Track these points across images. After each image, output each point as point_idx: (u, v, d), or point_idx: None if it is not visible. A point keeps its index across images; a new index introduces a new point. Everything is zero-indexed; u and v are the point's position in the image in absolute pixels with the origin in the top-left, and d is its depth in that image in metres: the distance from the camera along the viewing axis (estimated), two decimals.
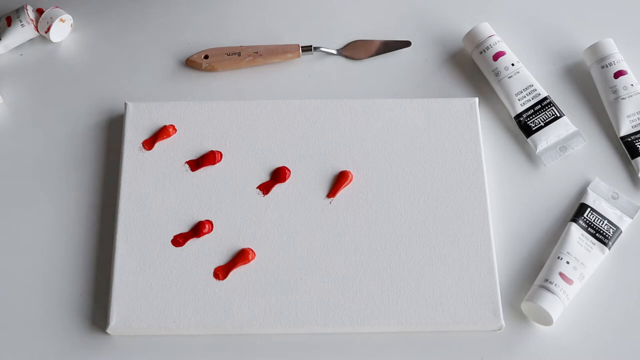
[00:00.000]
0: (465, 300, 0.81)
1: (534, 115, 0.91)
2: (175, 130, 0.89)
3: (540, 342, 0.81)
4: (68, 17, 0.96)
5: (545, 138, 0.90)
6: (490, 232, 0.84)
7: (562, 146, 0.90)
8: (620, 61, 0.92)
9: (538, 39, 0.98)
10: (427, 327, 0.80)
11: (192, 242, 0.84)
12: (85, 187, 0.88)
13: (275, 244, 0.84)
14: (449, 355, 0.81)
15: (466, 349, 0.81)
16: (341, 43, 0.97)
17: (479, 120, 0.90)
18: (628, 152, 0.90)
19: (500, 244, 0.85)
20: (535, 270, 0.84)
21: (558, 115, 0.91)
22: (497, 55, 0.93)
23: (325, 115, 0.90)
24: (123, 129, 0.89)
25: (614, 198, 0.87)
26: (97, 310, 0.83)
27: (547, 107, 0.91)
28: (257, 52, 0.95)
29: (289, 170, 0.87)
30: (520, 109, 0.91)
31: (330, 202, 0.86)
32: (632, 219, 0.86)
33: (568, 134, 0.91)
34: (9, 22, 0.95)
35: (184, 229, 0.84)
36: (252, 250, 0.83)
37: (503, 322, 0.80)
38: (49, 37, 0.96)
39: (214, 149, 0.88)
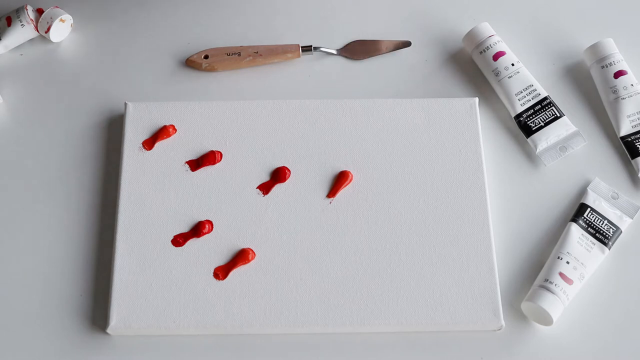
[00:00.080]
0: (465, 300, 0.81)
1: (534, 115, 0.91)
2: (175, 130, 0.89)
3: (540, 342, 0.81)
4: (68, 17, 0.96)
5: (545, 138, 0.90)
6: (490, 232, 0.84)
7: (562, 146, 0.90)
8: (620, 61, 0.92)
9: (538, 39, 0.98)
10: (427, 327, 0.80)
11: (192, 242, 0.84)
12: (85, 187, 0.88)
13: (275, 244, 0.84)
14: (449, 355, 0.81)
15: (466, 349, 0.81)
16: (341, 43, 0.97)
17: (479, 120, 0.90)
18: (628, 152, 0.90)
19: (500, 244, 0.85)
20: (535, 270, 0.84)
21: (558, 115, 0.91)
22: (497, 55, 0.93)
23: (325, 115, 0.90)
24: (123, 129, 0.89)
25: (614, 198, 0.87)
26: (97, 310, 0.83)
27: (547, 107, 0.91)
28: (257, 52, 0.95)
29: (289, 170, 0.87)
30: (520, 109, 0.91)
31: (330, 202, 0.86)
32: (632, 219, 0.86)
33: (568, 134, 0.91)
34: (9, 22, 0.95)
35: (184, 229, 0.85)
36: (252, 250, 0.83)
37: (503, 322, 0.80)
38: (49, 37, 0.96)
39: (214, 149, 0.88)
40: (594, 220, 0.85)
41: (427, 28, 0.99)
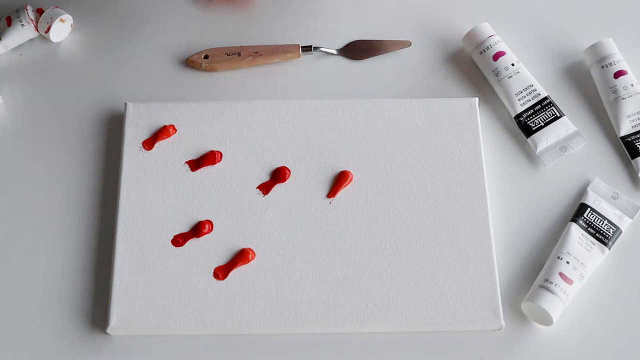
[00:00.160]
0: (465, 300, 0.81)
1: (534, 115, 0.91)
2: (175, 130, 0.89)
3: (540, 342, 0.81)
4: (68, 17, 0.96)
5: (545, 138, 0.90)
6: (490, 232, 0.84)
7: (562, 146, 0.90)
8: (620, 61, 0.92)
9: (538, 39, 0.98)
10: (427, 327, 0.80)
11: (192, 242, 0.84)
12: (85, 187, 0.88)
13: (275, 244, 0.84)
14: (449, 355, 0.81)
15: (466, 349, 0.81)
16: (341, 43, 0.97)
17: (479, 120, 0.90)
18: (628, 152, 0.90)
19: (500, 244, 0.85)
20: (535, 270, 0.84)
21: (558, 115, 0.91)
22: (497, 55, 0.93)
23: (325, 115, 0.90)
24: (123, 129, 0.89)
25: (614, 198, 0.87)
26: (97, 310, 0.83)
27: (547, 107, 0.91)
28: (257, 52, 0.95)
29: (289, 170, 0.87)
30: (520, 109, 0.91)
31: (330, 202, 0.86)
32: (632, 219, 0.86)
33: (568, 134, 0.91)
34: (9, 22, 0.95)
35: (184, 229, 0.85)
36: (252, 250, 0.83)
37: (503, 322, 0.80)
38: (49, 37, 0.96)
39: (214, 149, 0.88)
40: (594, 220, 0.85)
41: (427, 28, 0.98)
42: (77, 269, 0.84)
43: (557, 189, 0.89)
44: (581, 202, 0.87)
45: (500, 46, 0.93)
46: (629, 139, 0.90)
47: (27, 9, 0.96)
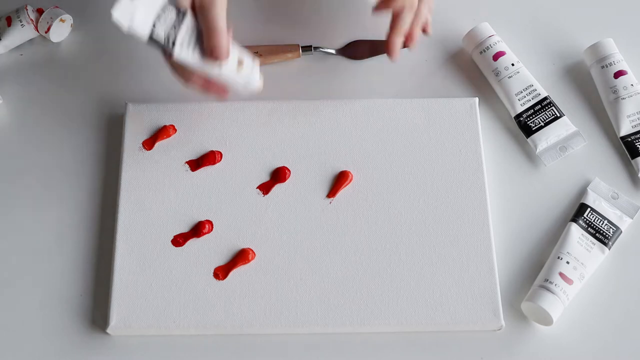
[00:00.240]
0: (465, 300, 0.81)
1: (534, 115, 0.91)
2: (175, 130, 0.89)
3: (540, 342, 0.81)
4: (68, 17, 0.96)
5: (545, 138, 0.90)
6: (490, 232, 0.84)
7: (562, 146, 0.90)
8: (620, 61, 0.92)
9: (538, 39, 0.98)
10: (427, 327, 0.80)
11: (192, 242, 0.84)
12: (85, 187, 0.88)
13: (275, 244, 0.84)
14: (449, 355, 0.81)
15: (466, 349, 0.81)
16: (341, 43, 0.97)
17: (479, 120, 0.90)
18: (628, 152, 0.90)
19: (500, 244, 0.85)
20: (535, 270, 0.84)
21: (558, 115, 0.91)
22: (497, 55, 0.93)
23: (325, 115, 0.90)
24: (123, 129, 0.89)
25: (614, 198, 0.87)
26: (97, 310, 0.83)
27: (547, 107, 0.91)
28: (257, 52, 0.95)
29: (289, 170, 0.87)
30: (520, 109, 0.91)
31: (330, 202, 0.86)
32: (632, 219, 0.86)
33: (568, 134, 0.91)
34: (9, 22, 0.95)
35: (184, 229, 0.85)
36: (252, 250, 0.83)
37: (503, 322, 0.80)
38: (49, 37, 0.96)
39: (214, 149, 0.88)
40: (594, 220, 0.85)
41: None
42: (77, 269, 0.84)
43: (557, 189, 0.89)
44: (581, 202, 0.87)
45: (500, 46, 0.93)
46: (629, 139, 0.90)
47: (27, 9, 0.96)
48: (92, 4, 1.00)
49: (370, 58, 0.97)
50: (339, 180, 0.86)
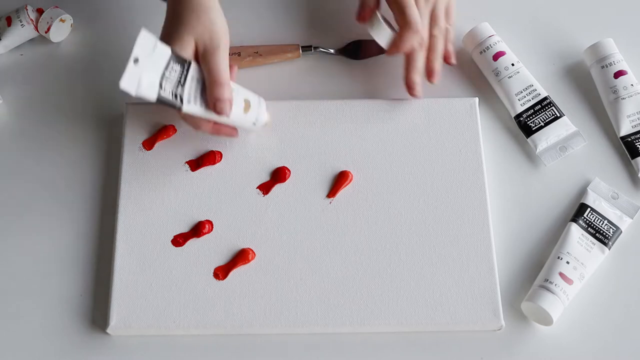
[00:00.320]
0: (465, 300, 0.81)
1: (534, 115, 0.91)
2: (175, 130, 0.89)
3: (540, 342, 0.81)
4: (68, 17, 0.96)
5: (545, 138, 0.90)
6: (490, 232, 0.84)
7: (562, 146, 0.90)
8: (620, 61, 0.92)
9: (538, 39, 0.98)
10: (427, 327, 0.80)
11: (192, 242, 0.84)
12: (85, 187, 0.88)
13: (275, 244, 0.84)
14: (449, 355, 0.81)
15: (466, 349, 0.81)
16: (341, 43, 0.97)
17: (479, 120, 0.90)
18: (628, 152, 0.90)
19: (500, 244, 0.85)
20: (535, 270, 0.84)
21: (558, 115, 0.91)
22: (497, 55, 0.93)
23: (325, 115, 0.90)
24: (123, 129, 0.89)
25: (614, 198, 0.87)
26: (97, 310, 0.83)
27: (547, 107, 0.91)
28: (257, 52, 0.95)
29: (289, 170, 0.87)
30: (520, 109, 0.91)
31: (330, 202, 0.86)
32: (632, 219, 0.86)
33: (568, 134, 0.91)
34: (9, 22, 0.95)
35: (184, 229, 0.85)
36: (252, 250, 0.83)
37: (503, 322, 0.80)
38: (49, 37, 0.96)
39: (214, 149, 0.88)
40: (594, 220, 0.85)
41: None
42: (77, 269, 0.84)
43: (557, 189, 0.89)
44: (581, 202, 0.87)
45: (500, 46, 0.93)
46: (629, 139, 0.90)
47: (27, 9, 0.96)
48: (92, 4, 1.00)
49: (370, 58, 0.97)
50: (339, 180, 0.86)
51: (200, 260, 0.83)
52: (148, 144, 0.88)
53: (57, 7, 0.96)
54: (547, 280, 0.81)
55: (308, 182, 0.87)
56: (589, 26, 0.98)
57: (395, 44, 0.88)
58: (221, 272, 0.82)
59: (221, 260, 0.83)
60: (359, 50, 0.97)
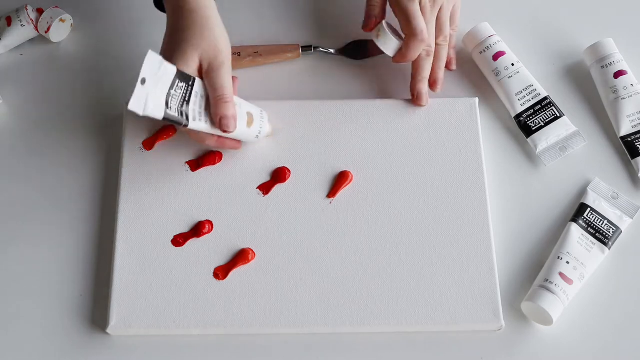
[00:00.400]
0: (465, 300, 0.81)
1: (534, 115, 0.91)
2: (175, 130, 0.89)
3: (540, 342, 0.81)
4: (68, 17, 0.96)
5: (545, 138, 0.90)
6: (490, 232, 0.84)
7: (562, 146, 0.90)
8: (620, 61, 0.92)
9: (538, 39, 0.98)
10: (427, 327, 0.80)
11: (192, 242, 0.84)
12: (85, 187, 0.88)
13: (275, 244, 0.84)
14: (449, 355, 0.81)
15: (466, 349, 0.81)
16: (341, 43, 0.97)
17: (479, 120, 0.90)
18: (628, 152, 0.90)
19: (500, 244, 0.85)
20: (535, 270, 0.84)
21: (558, 115, 0.91)
22: (497, 55, 0.93)
23: (325, 115, 0.90)
24: (123, 129, 0.89)
25: (614, 198, 0.87)
26: (97, 310, 0.83)
27: (547, 107, 0.91)
28: (257, 52, 0.95)
29: (289, 171, 0.87)
30: (520, 109, 0.91)
31: (330, 202, 0.86)
32: (632, 219, 0.86)
33: (568, 134, 0.91)
34: (9, 22, 0.95)
35: (184, 229, 0.84)
36: (252, 250, 0.83)
37: (503, 322, 0.80)
38: (49, 37, 0.96)
39: (213, 149, 0.88)
40: (594, 220, 0.85)
41: None
42: (77, 269, 0.84)
43: (557, 189, 0.89)
44: (581, 202, 0.87)
45: (500, 46, 0.93)
46: (629, 139, 0.90)
47: (27, 9, 0.96)
48: (92, 4, 1.00)
49: (370, 58, 0.97)
50: (339, 180, 0.86)
51: (200, 260, 0.83)
52: (148, 144, 0.88)
53: (57, 7, 0.96)
54: (547, 280, 0.81)
55: (308, 183, 0.87)
56: (589, 26, 0.98)
57: (402, 53, 0.89)
58: (221, 272, 0.82)
59: (221, 260, 0.83)
60: (359, 50, 0.97)
